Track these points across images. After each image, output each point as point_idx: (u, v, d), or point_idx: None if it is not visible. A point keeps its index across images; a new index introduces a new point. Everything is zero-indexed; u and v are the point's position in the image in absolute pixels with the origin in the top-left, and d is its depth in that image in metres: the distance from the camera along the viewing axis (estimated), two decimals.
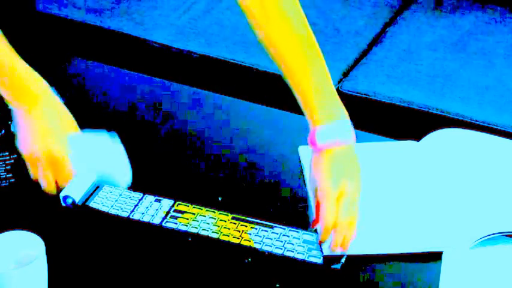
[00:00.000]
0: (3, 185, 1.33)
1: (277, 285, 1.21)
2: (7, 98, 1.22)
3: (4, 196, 1.32)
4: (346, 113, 1.28)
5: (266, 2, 1.30)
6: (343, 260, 1.23)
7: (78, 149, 1.19)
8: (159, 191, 1.36)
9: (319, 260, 1.24)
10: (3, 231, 1.15)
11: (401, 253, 1.26)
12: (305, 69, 1.29)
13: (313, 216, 1.26)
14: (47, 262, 1.14)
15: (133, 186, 1.35)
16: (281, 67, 1.31)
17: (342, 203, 1.23)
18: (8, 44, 1.21)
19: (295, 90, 1.30)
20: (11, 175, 1.33)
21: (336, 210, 1.22)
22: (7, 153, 1.32)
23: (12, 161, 1.32)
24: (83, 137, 1.21)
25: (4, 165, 1.32)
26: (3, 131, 1.31)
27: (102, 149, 1.21)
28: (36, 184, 1.28)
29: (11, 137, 1.31)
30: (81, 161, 1.20)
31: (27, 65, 1.22)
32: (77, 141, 1.20)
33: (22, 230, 1.15)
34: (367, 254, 1.25)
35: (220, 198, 1.35)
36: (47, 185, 1.23)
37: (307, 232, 1.28)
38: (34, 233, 1.14)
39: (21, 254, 1.14)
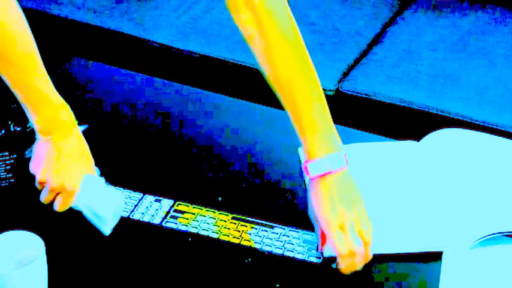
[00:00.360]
0: (3, 185, 1.33)
1: (277, 285, 1.21)
2: (35, 122, 1.22)
3: (4, 196, 1.32)
4: (339, 143, 1.26)
5: (262, 23, 1.29)
6: None
7: (87, 189, 1.24)
8: (159, 191, 1.36)
9: (319, 260, 1.24)
10: (3, 231, 1.15)
11: (401, 253, 1.26)
12: (301, 97, 1.27)
13: (319, 240, 1.25)
14: (47, 262, 1.14)
15: (134, 186, 1.35)
16: (277, 90, 1.29)
17: (347, 231, 1.21)
18: (46, 72, 1.22)
19: (289, 113, 1.28)
20: (11, 175, 1.33)
21: (344, 238, 1.21)
22: (7, 153, 1.32)
23: (12, 161, 1.32)
24: (95, 181, 1.25)
25: (4, 165, 1.32)
26: (3, 131, 1.31)
27: (105, 198, 1.26)
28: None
29: (11, 137, 1.31)
30: (84, 199, 1.24)
31: (61, 98, 1.22)
32: (88, 182, 1.24)
33: (22, 230, 1.15)
34: None
35: (220, 198, 1.35)
36: (46, 200, 1.24)
37: (307, 232, 1.29)
38: (34, 233, 1.14)
39: (21, 254, 1.14)
